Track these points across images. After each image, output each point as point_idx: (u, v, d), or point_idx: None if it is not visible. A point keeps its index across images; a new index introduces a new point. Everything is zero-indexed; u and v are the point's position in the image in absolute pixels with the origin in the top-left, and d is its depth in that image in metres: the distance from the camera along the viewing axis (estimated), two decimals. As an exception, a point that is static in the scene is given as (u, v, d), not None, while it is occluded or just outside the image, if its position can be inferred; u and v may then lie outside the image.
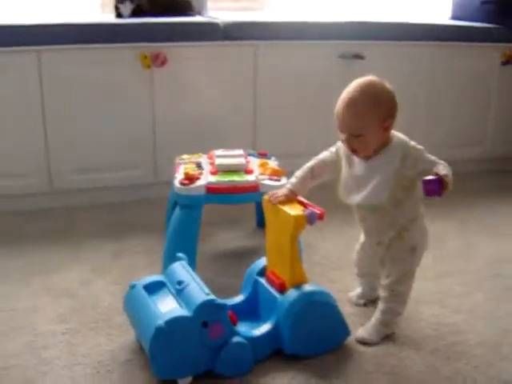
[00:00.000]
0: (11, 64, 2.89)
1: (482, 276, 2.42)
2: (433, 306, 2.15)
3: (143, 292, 1.82)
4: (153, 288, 1.85)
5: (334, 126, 3.41)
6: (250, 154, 2.63)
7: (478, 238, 2.83)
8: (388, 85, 1.77)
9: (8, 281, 2.33)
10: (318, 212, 1.79)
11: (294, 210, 1.78)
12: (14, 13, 3.38)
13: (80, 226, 2.90)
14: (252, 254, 2.48)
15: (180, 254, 1.97)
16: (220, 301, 1.69)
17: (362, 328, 1.92)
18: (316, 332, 1.81)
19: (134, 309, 1.82)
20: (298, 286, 1.83)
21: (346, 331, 1.88)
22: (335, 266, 2.47)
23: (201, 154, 2.66)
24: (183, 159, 2.59)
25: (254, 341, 1.76)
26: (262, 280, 1.93)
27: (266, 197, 1.88)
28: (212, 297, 1.68)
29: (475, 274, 2.44)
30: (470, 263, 2.54)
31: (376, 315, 1.92)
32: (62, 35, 2.90)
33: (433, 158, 1.74)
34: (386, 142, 1.77)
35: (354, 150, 1.77)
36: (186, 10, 3.41)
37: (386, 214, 1.80)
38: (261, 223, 2.76)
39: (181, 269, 1.88)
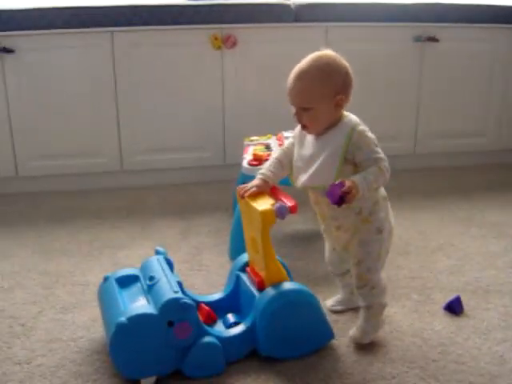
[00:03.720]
0: (86, 45, 2.99)
1: (558, 266, 2.30)
2: (503, 297, 2.05)
3: (114, 285, 1.76)
4: (126, 282, 1.79)
5: (404, 111, 3.42)
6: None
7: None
8: (342, 60, 1.67)
9: (78, 255, 2.41)
10: (289, 205, 1.65)
11: (262, 205, 1.66)
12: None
13: (149, 205, 2.96)
14: (316, 237, 2.47)
15: (159, 249, 1.90)
16: (188, 300, 1.59)
17: (353, 330, 1.80)
18: (294, 334, 1.70)
19: (103, 302, 1.76)
20: (276, 284, 1.71)
21: (328, 333, 1.76)
22: (402, 251, 2.43)
23: (270, 135, 2.66)
24: (252, 140, 2.60)
25: (226, 341, 1.66)
26: (244, 276, 1.84)
27: (237, 190, 1.76)
28: (179, 295, 1.59)
29: (550, 263, 2.31)
30: (546, 252, 2.38)
31: (362, 313, 1.80)
32: (135, 16, 2.96)
33: (378, 155, 1.63)
34: (337, 121, 1.66)
35: (304, 126, 1.67)
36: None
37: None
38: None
39: (155, 263, 1.80)
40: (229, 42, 3.02)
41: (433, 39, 3.24)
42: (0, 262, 2.37)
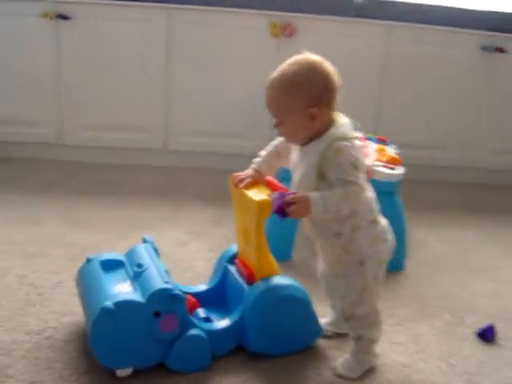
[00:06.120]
0: (142, 19, 2.98)
1: None
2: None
3: (99, 268, 1.68)
4: (110, 266, 1.71)
5: (462, 120, 3.27)
6: (368, 138, 2.51)
7: None
8: (323, 67, 1.51)
9: (106, 230, 2.39)
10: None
11: (258, 195, 1.59)
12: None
13: (185, 188, 2.93)
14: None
15: (146, 237, 1.81)
16: (178, 291, 1.52)
17: (339, 361, 1.65)
18: (283, 330, 1.64)
19: (85, 284, 1.68)
20: (267, 278, 1.64)
21: (317, 330, 1.71)
22: (438, 268, 2.32)
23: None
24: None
25: (213, 335, 1.59)
26: (232, 268, 1.77)
27: (230, 178, 1.70)
28: (170, 286, 1.52)
29: None
30: None
31: (351, 347, 1.66)
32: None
33: (349, 177, 1.44)
34: (324, 129, 1.51)
35: (285, 139, 1.59)
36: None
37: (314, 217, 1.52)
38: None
39: (143, 251, 1.72)
40: (287, 31, 2.94)
41: (500, 50, 3.10)
42: (29, 227, 2.37)
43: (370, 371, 1.63)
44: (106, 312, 1.46)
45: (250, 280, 1.66)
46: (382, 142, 2.46)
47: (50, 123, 3.09)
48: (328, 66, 1.52)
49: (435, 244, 2.53)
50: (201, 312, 1.71)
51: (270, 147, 1.71)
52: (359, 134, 2.18)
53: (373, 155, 2.26)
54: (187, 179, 3.04)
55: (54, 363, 1.55)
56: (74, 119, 3.09)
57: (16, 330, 1.68)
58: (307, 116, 1.48)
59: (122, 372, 1.52)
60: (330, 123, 1.53)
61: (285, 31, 2.95)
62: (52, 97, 3.05)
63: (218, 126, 3.13)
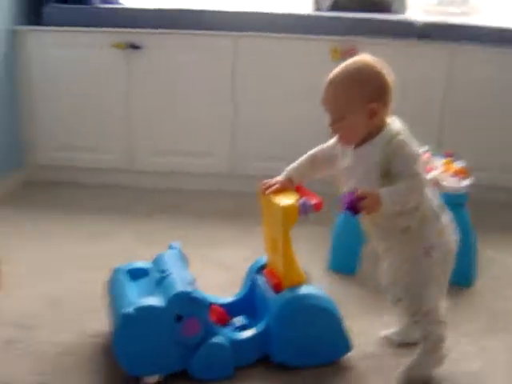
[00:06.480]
0: (210, 47, 3.05)
1: None
2: None
3: (125, 277, 1.70)
4: (137, 274, 1.72)
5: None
6: (434, 155, 2.48)
7: None
8: (381, 66, 1.50)
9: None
10: (313, 202, 1.55)
11: (285, 200, 1.57)
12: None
13: (251, 211, 2.91)
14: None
15: (173, 244, 1.81)
16: (199, 295, 1.50)
17: (406, 366, 1.61)
18: (309, 341, 1.59)
19: (112, 293, 1.70)
20: (293, 287, 1.60)
21: (345, 345, 1.64)
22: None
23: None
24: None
25: (236, 344, 1.56)
26: (261, 278, 1.73)
27: (260, 186, 1.69)
28: (191, 289, 1.51)
29: None
30: None
31: (419, 347, 1.62)
32: (258, 23, 3.00)
33: (412, 171, 1.45)
34: (377, 130, 1.51)
35: (339, 138, 1.56)
36: (384, 8, 3.32)
37: (378, 215, 1.49)
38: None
39: (169, 257, 1.73)
40: (348, 54, 2.95)
41: None
42: (99, 244, 2.44)
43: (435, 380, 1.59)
44: (127, 318, 1.48)
45: (278, 289, 1.63)
46: (449, 156, 2.42)
47: (120, 150, 3.18)
48: (385, 68, 1.52)
49: (507, 261, 2.44)
50: (238, 320, 1.70)
51: (306, 155, 1.71)
52: (425, 150, 2.17)
53: (440, 168, 2.22)
54: (253, 204, 3.05)
55: (103, 366, 1.61)
56: (144, 145, 3.16)
57: (77, 332, 1.76)
58: (367, 112, 1.48)
59: (149, 380, 1.52)
60: (383, 124, 1.53)
61: (346, 56, 2.96)
62: (123, 124, 3.14)
63: (284, 151, 3.13)
